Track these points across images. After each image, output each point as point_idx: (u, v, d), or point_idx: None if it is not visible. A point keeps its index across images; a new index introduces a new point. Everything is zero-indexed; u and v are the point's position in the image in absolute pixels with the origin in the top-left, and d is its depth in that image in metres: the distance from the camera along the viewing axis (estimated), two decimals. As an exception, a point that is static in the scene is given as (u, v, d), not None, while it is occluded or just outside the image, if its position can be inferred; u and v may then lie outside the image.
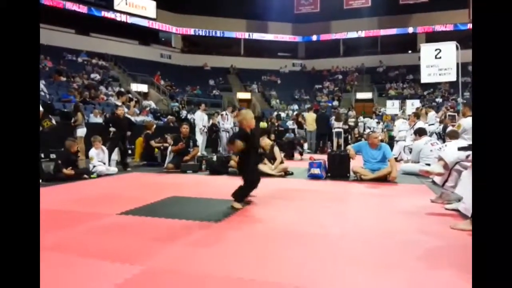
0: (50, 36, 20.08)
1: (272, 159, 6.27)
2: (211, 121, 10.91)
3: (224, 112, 11.97)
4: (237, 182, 4.16)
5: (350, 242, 2.57)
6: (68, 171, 5.45)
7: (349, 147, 6.11)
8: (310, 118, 12.10)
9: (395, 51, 27.40)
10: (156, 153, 7.95)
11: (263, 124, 14.30)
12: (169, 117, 14.21)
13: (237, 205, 3.62)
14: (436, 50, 8.64)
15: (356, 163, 5.73)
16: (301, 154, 9.67)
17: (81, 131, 8.15)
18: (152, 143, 7.90)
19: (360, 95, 24.08)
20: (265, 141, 6.47)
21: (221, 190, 4.71)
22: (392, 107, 16.96)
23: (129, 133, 7.13)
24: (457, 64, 8.61)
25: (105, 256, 2.28)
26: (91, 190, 4.88)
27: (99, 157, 6.19)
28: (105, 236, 2.74)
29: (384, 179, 5.29)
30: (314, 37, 29.05)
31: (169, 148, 7.19)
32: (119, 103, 7.49)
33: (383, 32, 27.33)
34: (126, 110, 7.30)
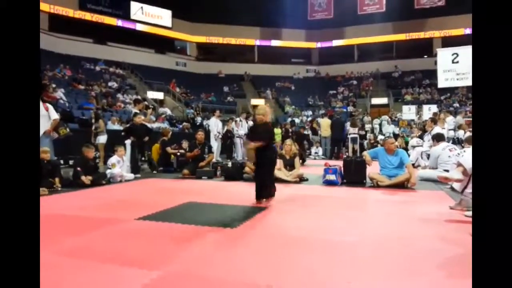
0: (68, 45, 20.70)
1: (290, 166, 6.25)
2: (225, 128, 10.98)
3: (238, 119, 12.05)
4: (252, 188, 4.18)
5: (367, 249, 2.53)
6: (85, 179, 5.52)
7: (365, 153, 6.04)
8: (325, 123, 12.04)
9: (410, 56, 27.09)
10: (172, 159, 8.04)
11: (277, 131, 14.32)
12: (184, 123, 14.37)
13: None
14: (453, 54, 8.51)
15: (373, 170, 5.66)
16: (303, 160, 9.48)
17: (103, 138, 8.34)
18: (168, 149, 8.00)
19: (375, 101, 23.83)
20: (289, 147, 6.44)
21: (236, 196, 4.73)
22: (408, 112, 16.75)
23: (146, 138, 7.25)
24: (475, 68, 8.43)
25: (124, 261, 2.31)
26: (109, 196, 4.97)
27: (120, 164, 6.32)
28: (123, 241, 2.79)
29: (401, 186, 5.21)
30: (328, 43, 28.99)
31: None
32: (136, 111, 7.63)
33: (398, 37, 27.07)
34: (143, 117, 7.45)
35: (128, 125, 7.43)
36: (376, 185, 5.36)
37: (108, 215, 3.68)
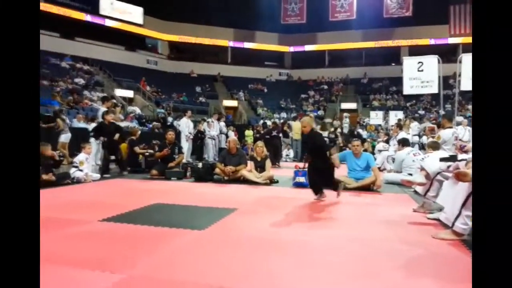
0: (33, 39, 19.73)
1: (260, 167, 6.27)
2: (196, 128, 10.87)
3: (210, 119, 11.96)
4: (222, 189, 4.16)
5: (331, 250, 2.58)
6: (48, 176, 5.30)
7: (334, 156, 6.16)
8: (296, 127, 12.18)
9: (379, 63, 28.00)
10: (140, 160, 7.85)
11: (249, 132, 14.34)
12: (154, 123, 14.07)
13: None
14: (418, 63, 8.88)
15: (341, 172, 5.78)
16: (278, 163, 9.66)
17: (65, 137, 8.04)
18: (136, 149, 7.80)
19: (345, 105, 24.42)
20: (261, 149, 6.47)
21: (205, 198, 4.69)
22: (375, 117, 17.30)
23: (117, 136, 7.01)
24: (439, 77, 8.85)
25: (85, 264, 2.22)
26: (72, 196, 4.77)
27: (87, 162, 6.10)
28: (85, 243, 2.68)
29: (367, 188, 5.36)
30: (301, 48, 29.43)
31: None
32: (104, 108, 7.39)
33: (368, 44, 27.91)
34: (113, 115, 7.22)
35: (97, 124, 7.15)
36: (344, 188, 5.47)
37: (70, 216, 3.52)
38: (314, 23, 27.23)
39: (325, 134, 11.80)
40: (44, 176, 5.27)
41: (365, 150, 6.95)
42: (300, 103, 25.59)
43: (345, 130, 15.31)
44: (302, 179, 5.61)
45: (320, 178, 4.57)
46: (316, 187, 4.62)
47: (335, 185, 4.61)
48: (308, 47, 29.33)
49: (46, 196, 4.68)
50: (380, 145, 9.55)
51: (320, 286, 1.98)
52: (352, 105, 24.43)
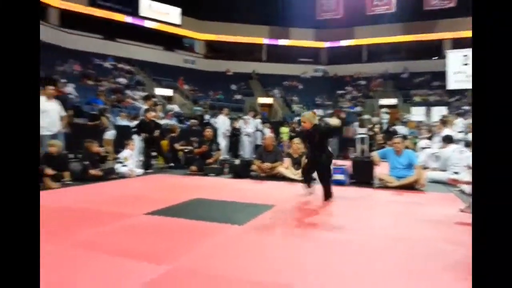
0: (79, 41, 20.84)
1: (297, 164, 6.25)
2: (232, 126, 11.01)
3: (246, 117, 12.06)
4: (259, 186, 4.19)
5: (373, 249, 2.52)
6: (96, 171, 5.61)
7: (373, 153, 6.01)
8: (332, 123, 11.99)
9: (419, 57, 26.83)
10: (180, 156, 8.08)
11: (284, 129, 14.29)
12: (192, 120, 14.40)
13: None
14: (463, 56, 8.42)
15: (381, 170, 5.63)
16: None
17: (109, 134, 8.45)
18: (176, 146, 8.04)
19: (384, 101, 23.66)
20: (297, 146, 6.44)
21: (243, 194, 4.74)
22: (417, 113, 16.62)
23: (157, 132, 7.29)
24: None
25: (133, 255, 2.33)
26: (118, 191, 5.01)
27: (131, 158, 6.40)
28: (132, 235, 2.81)
29: (410, 187, 5.17)
30: (337, 43, 28.85)
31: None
32: (146, 107, 7.68)
33: (407, 38, 26.83)
34: (153, 113, 7.53)
35: (138, 121, 7.48)
36: (385, 186, 5.33)
37: (117, 209, 3.71)
38: (350, 18, 26.54)
39: (363, 130, 11.52)
40: (92, 171, 5.59)
41: (407, 148, 6.71)
42: (337, 99, 25.11)
43: (385, 127, 14.81)
44: (340, 177, 5.52)
45: (315, 169, 4.42)
46: (308, 176, 4.54)
47: (326, 190, 4.30)
48: (345, 42, 28.68)
49: (95, 190, 4.96)
50: (422, 142, 9.17)
51: (361, 284, 1.95)
52: (392, 101, 23.60)
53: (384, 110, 18.56)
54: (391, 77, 26.78)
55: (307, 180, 4.54)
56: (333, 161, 4.75)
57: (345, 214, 3.72)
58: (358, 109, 22.18)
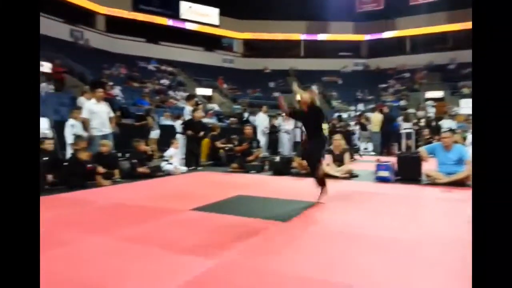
0: (124, 45, 21.88)
1: (339, 161, 6.15)
2: (271, 123, 11.03)
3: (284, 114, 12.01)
4: (300, 183, 4.17)
5: (423, 248, 2.43)
6: (143, 169, 5.89)
7: (421, 148, 5.76)
8: (375, 119, 11.63)
9: (467, 47, 25.22)
10: (221, 154, 8.24)
11: (324, 126, 14.07)
12: (231, 119, 14.63)
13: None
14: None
15: (428, 166, 5.39)
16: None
17: (155, 133, 8.83)
18: (217, 144, 8.21)
19: (430, 94, 22.52)
20: (339, 142, 6.35)
21: (285, 191, 4.75)
22: (466, 106, 15.65)
23: (202, 133, 7.49)
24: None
25: (181, 249, 2.42)
26: (164, 187, 5.22)
27: (176, 156, 6.64)
28: (180, 230, 2.92)
29: (461, 184, 4.90)
30: (378, 35, 27.88)
31: None
32: (189, 107, 7.89)
33: (453, 27, 25.32)
34: (202, 113, 7.71)
35: (186, 120, 7.67)
36: (433, 183, 5.10)
37: (164, 205, 3.87)
38: (392, 9, 25.56)
39: (408, 125, 11.07)
40: (140, 169, 5.87)
41: (455, 142, 6.36)
42: (379, 93, 24.28)
43: (432, 121, 14.06)
44: (385, 173, 5.36)
45: (308, 160, 4.11)
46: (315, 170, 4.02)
47: (319, 180, 3.91)
48: (386, 34, 27.64)
49: (144, 187, 5.20)
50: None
51: (414, 284, 1.89)
52: (438, 93, 22.39)
53: (430, 103, 17.67)
54: (437, 69, 25.45)
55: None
56: (378, 157, 4.61)
57: (392, 213, 3.61)
58: (402, 103, 21.31)
